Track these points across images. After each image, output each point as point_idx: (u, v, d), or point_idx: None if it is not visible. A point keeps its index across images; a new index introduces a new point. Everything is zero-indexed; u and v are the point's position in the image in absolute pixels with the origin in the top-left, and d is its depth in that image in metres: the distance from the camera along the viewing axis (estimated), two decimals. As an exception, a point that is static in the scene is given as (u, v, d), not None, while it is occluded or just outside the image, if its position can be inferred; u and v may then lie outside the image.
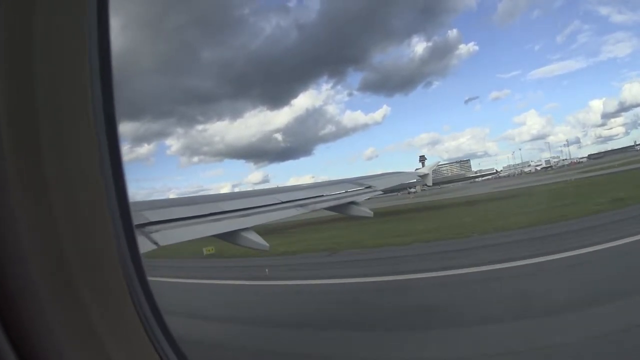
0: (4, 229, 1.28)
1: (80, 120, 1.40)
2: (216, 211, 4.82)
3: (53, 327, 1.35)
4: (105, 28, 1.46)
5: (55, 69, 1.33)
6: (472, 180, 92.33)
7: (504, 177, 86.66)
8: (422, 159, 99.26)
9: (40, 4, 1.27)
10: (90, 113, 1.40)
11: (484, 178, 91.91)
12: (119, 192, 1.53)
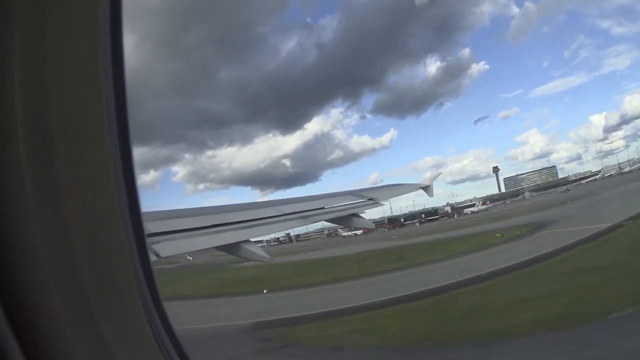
0: (19, 237, 1.29)
1: (94, 129, 1.41)
2: (218, 223, 4.83)
3: (61, 328, 1.36)
4: (118, 36, 1.48)
5: (68, 80, 1.35)
6: (577, 182, 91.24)
7: (628, 172, 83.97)
8: (496, 169, 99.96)
9: (53, 13, 1.29)
10: (104, 121, 1.42)
11: (588, 180, 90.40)
12: (130, 200, 1.56)
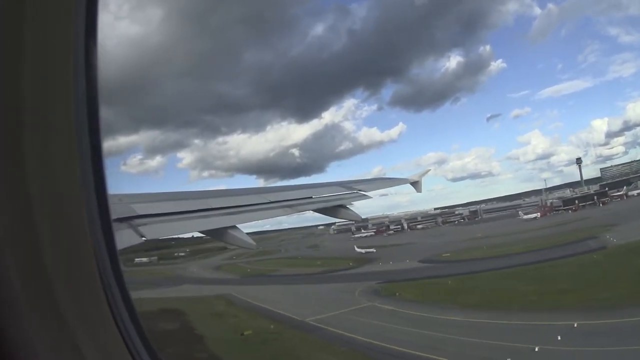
0: None
1: (63, 122, 1.43)
2: (204, 207, 4.89)
3: (27, 325, 1.38)
4: (92, 36, 1.50)
5: (40, 75, 1.36)
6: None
7: None
8: (579, 161, 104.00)
9: (29, 13, 1.30)
10: (72, 116, 1.44)
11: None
12: (98, 193, 1.58)
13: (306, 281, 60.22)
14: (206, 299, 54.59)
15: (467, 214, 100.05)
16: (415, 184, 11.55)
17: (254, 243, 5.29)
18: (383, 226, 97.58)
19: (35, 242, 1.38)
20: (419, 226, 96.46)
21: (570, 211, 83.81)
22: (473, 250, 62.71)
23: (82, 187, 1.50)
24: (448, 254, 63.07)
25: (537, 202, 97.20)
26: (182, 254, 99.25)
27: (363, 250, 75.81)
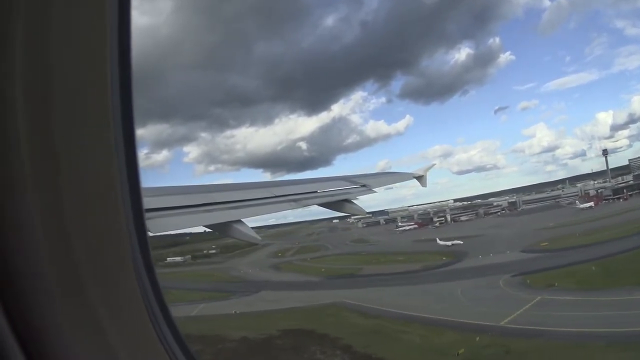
0: (19, 230, 1.29)
1: (98, 119, 1.40)
2: (208, 202, 4.83)
3: (62, 324, 1.38)
4: (126, 23, 1.45)
5: (73, 66, 1.33)
6: None
7: None
8: (605, 152, 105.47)
9: (57, 9, 1.25)
10: (108, 111, 1.40)
11: None
12: (132, 192, 1.55)
13: (418, 280, 54.55)
14: (324, 310, 48.05)
15: (506, 205, 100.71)
16: (420, 179, 11.46)
17: (259, 238, 5.24)
18: (420, 219, 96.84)
19: (68, 236, 1.37)
20: (462, 218, 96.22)
21: (621, 200, 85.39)
22: (568, 238, 60.48)
23: (116, 180, 1.47)
24: (546, 243, 60.75)
25: (576, 192, 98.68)
26: (213, 251, 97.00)
27: (449, 243, 73.51)
